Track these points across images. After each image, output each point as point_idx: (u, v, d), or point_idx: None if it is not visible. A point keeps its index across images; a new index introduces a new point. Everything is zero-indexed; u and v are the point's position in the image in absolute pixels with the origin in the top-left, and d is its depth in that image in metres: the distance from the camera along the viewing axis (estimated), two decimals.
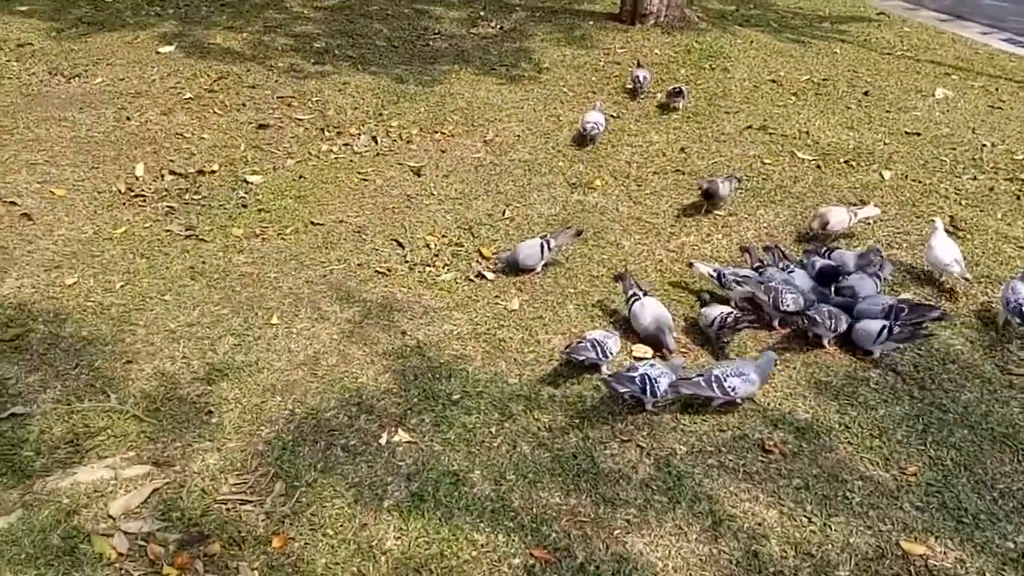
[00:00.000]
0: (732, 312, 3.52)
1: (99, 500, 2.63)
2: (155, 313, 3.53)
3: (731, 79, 6.88)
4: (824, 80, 6.81)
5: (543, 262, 3.97)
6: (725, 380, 3.10)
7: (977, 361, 3.45)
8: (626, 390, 3.11)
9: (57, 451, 2.80)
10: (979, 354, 3.50)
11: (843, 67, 7.11)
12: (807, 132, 5.80)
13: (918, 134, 5.65)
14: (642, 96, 6.18)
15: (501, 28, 7.96)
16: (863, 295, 3.64)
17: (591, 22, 8.20)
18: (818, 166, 5.30)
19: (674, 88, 6.13)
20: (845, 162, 5.34)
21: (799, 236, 4.40)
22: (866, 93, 6.45)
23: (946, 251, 3.86)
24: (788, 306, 3.54)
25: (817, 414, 3.21)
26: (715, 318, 3.49)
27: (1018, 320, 3.52)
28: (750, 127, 5.90)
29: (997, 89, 6.57)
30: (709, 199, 4.58)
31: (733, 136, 5.72)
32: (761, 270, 3.86)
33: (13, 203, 4.29)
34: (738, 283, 3.70)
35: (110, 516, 2.58)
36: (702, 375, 3.14)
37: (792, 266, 3.86)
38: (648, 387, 3.07)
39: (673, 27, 8.04)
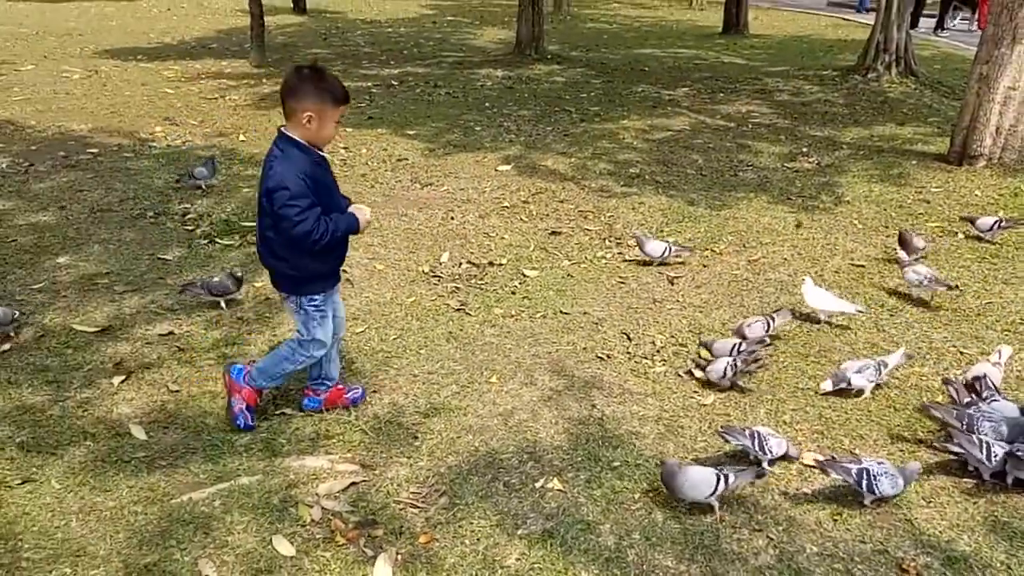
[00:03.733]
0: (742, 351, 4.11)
1: (313, 481, 3.43)
2: (407, 361, 4.38)
3: None
4: None
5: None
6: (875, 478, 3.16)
7: None
8: (839, 477, 3.26)
9: (301, 443, 3.68)
10: None
11: None
12: None
13: None
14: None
15: (818, 163, 8.16)
16: None
17: (915, 161, 8.07)
18: None
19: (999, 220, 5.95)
20: None
21: None
22: None
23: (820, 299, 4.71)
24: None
25: (980, 550, 3.03)
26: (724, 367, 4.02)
27: None
28: None
29: None
30: None
31: None
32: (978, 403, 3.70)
33: (344, 271, 5.56)
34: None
35: (316, 493, 3.35)
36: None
37: (997, 396, 3.66)
38: (866, 482, 3.19)
39: (1007, 170, 7.60)
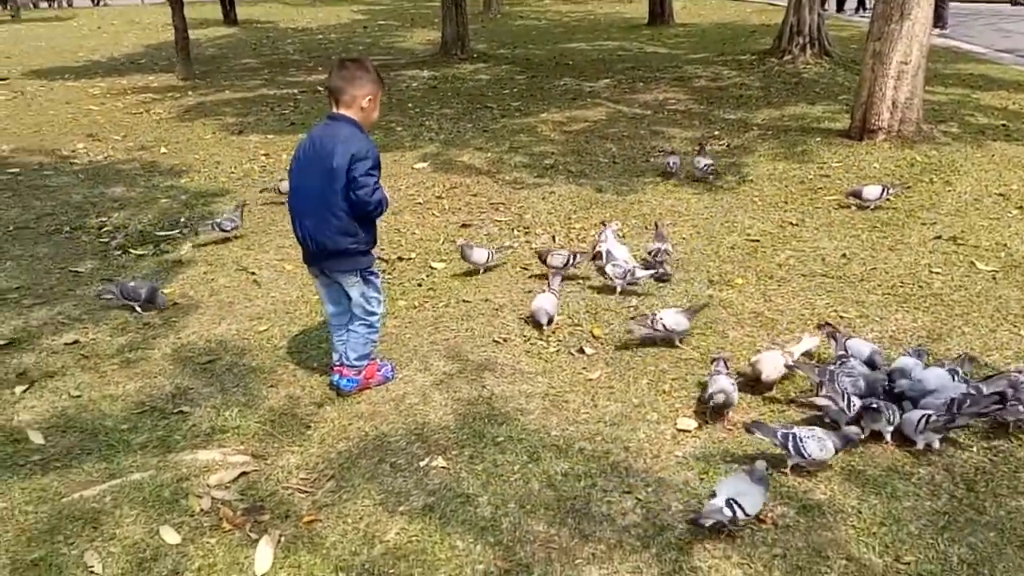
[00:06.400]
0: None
1: (205, 473, 3.53)
2: (307, 355, 4.48)
3: (950, 191, 6.70)
4: None
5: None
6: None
7: None
8: (765, 436, 3.36)
9: (196, 438, 3.79)
10: None
11: None
12: (1005, 244, 5.53)
13: None
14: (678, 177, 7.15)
15: (728, 145, 8.40)
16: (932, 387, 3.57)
17: (819, 139, 8.36)
18: (994, 277, 5.06)
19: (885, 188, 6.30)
20: None
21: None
22: None
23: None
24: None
25: (835, 497, 3.23)
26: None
27: None
28: (939, 237, 5.75)
29: None
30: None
31: (912, 245, 5.62)
32: (844, 360, 3.91)
33: (252, 272, 5.66)
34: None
35: (207, 484, 3.46)
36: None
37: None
38: (792, 444, 3.27)
39: (905, 141, 7.91)
